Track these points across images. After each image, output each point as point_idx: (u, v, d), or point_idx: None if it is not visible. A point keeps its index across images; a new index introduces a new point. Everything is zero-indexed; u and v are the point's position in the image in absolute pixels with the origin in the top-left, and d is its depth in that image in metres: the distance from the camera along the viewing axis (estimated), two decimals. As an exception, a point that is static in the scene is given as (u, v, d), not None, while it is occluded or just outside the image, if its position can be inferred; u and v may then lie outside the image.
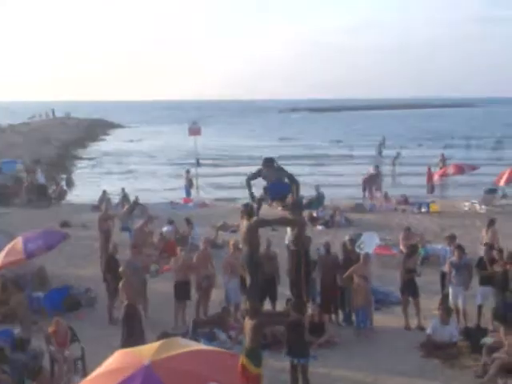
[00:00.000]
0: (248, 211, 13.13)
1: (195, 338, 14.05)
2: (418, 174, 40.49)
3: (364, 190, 33.48)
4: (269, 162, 13.36)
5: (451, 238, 16.75)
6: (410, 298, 15.74)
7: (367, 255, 16.29)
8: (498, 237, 19.61)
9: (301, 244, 12.80)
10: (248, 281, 13.08)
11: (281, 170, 13.69)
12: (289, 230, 16.78)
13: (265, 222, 13.82)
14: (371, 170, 35.34)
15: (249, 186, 13.42)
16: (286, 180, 13.71)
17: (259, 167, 13.61)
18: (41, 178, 37.05)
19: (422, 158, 51.18)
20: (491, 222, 20.37)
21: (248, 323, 12.15)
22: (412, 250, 16.69)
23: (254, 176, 13.50)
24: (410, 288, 15.71)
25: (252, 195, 13.27)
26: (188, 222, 23.39)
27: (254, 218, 13.09)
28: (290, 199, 14.77)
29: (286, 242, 16.71)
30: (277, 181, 13.42)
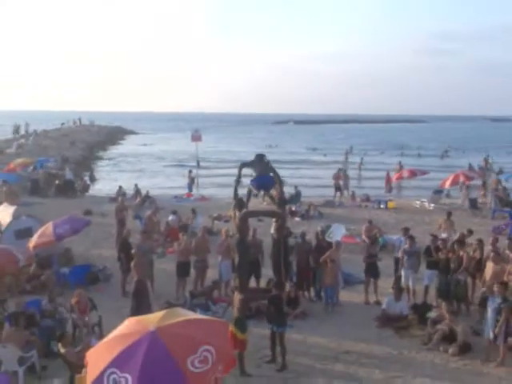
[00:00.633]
0: (239, 204, 13.15)
1: (193, 306, 14.06)
2: (378, 177, 40.62)
3: (336, 190, 33.47)
4: (260, 156, 13.51)
5: (405, 230, 16.75)
6: (372, 279, 15.78)
7: (339, 242, 16.33)
8: (454, 226, 20.03)
9: (282, 233, 12.86)
10: (237, 261, 13.11)
11: (268, 165, 13.77)
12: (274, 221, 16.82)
13: (253, 213, 13.87)
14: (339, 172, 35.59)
15: (239, 171, 13.49)
16: (271, 174, 13.80)
17: (252, 159, 13.68)
18: (69, 174, 36.91)
19: (382, 164, 51.30)
20: (449, 215, 20.79)
21: (237, 297, 12.18)
22: (373, 239, 16.76)
23: (247, 164, 13.59)
24: (372, 270, 15.75)
25: (238, 179, 13.37)
26: (193, 211, 23.39)
27: (244, 210, 13.11)
28: (274, 192, 14.83)
29: (272, 231, 16.69)
30: (263, 174, 13.48)
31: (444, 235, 18.77)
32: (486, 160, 45.63)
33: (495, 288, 11.95)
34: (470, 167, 40.36)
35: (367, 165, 50.98)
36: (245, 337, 11.15)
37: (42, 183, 34.78)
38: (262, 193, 25.75)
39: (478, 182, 33.58)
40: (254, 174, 14.41)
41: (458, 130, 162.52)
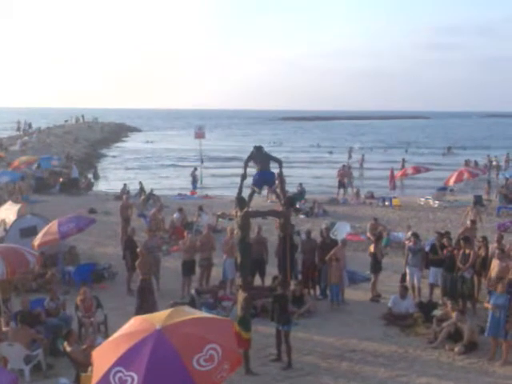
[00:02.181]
0: (240, 203, 13.10)
1: (200, 303, 14.12)
2: (383, 175, 40.48)
3: (339, 187, 33.45)
4: (259, 148, 13.72)
5: (408, 228, 16.77)
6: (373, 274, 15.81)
7: (345, 240, 16.31)
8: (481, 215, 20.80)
9: (286, 231, 12.84)
10: (239, 260, 13.10)
11: (267, 154, 13.95)
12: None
13: (255, 214, 13.91)
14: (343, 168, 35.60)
15: (245, 168, 13.73)
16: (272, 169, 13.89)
17: (251, 151, 13.87)
18: (75, 172, 36.95)
19: (385, 163, 51.16)
20: (475, 202, 21.48)
21: (240, 295, 12.15)
22: (378, 235, 16.71)
23: (249, 159, 13.77)
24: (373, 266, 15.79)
25: (244, 176, 13.66)
26: (200, 209, 23.40)
27: (246, 209, 13.06)
28: (278, 190, 14.92)
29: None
30: (263, 169, 13.59)
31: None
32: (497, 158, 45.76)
33: (498, 287, 11.91)
34: (475, 164, 40.39)
35: (370, 163, 50.94)
36: (249, 336, 11.14)
37: (44, 181, 34.82)
38: (265, 191, 25.90)
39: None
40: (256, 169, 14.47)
41: (461, 126, 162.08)
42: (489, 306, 11.84)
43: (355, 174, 38.49)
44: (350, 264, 16.38)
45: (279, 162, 14.36)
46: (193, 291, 15.29)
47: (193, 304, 14.11)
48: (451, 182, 29.90)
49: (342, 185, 33.26)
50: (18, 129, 69.77)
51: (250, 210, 14.38)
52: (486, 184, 32.70)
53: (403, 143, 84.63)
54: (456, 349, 12.05)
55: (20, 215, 19.55)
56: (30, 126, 73.54)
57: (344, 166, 36.80)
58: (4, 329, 11.84)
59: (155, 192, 30.90)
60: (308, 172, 50.16)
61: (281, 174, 15.20)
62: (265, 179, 13.94)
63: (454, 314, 12.65)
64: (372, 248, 15.95)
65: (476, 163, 40.95)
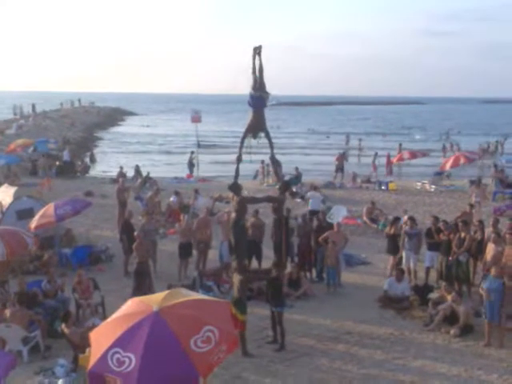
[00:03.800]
0: (234, 188, 12.86)
1: (201, 285, 14.24)
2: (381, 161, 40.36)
3: (336, 170, 33.53)
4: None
5: (404, 212, 16.76)
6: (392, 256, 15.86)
7: (339, 224, 16.32)
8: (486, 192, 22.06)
9: (280, 214, 12.77)
10: (233, 243, 13.03)
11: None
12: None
13: (250, 200, 13.84)
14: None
15: (240, 149, 12.75)
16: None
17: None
18: (66, 156, 36.74)
19: (383, 149, 51.00)
20: (479, 182, 22.14)
21: (236, 278, 12.14)
22: (395, 219, 16.65)
23: (243, 139, 12.72)
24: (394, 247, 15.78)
25: (239, 157, 12.74)
26: (196, 191, 23.37)
27: (241, 196, 12.79)
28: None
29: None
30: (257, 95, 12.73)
31: (477, 199, 21.13)
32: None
33: (492, 270, 11.92)
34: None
35: (368, 148, 50.87)
36: (245, 318, 11.17)
37: (39, 164, 34.68)
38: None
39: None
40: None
41: (459, 111, 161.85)
42: (482, 291, 11.86)
43: (354, 159, 38.50)
44: (346, 247, 16.35)
45: (277, 162, 13.68)
46: (195, 273, 15.27)
47: (193, 286, 14.15)
48: (447, 167, 29.88)
49: (340, 169, 33.35)
50: (15, 113, 69.32)
51: (246, 196, 14.19)
52: (493, 167, 32.38)
53: (404, 128, 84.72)
54: (452, 331, 12.11)
55: (17, 197, 19.43)
56: (33, 107, 72.86)
57: (341, 152, 36.81)
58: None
59: (151, 175, 30.87)
60: (305, 157, 50.07)
61: (278, 166, 14.49)
62: (257, 102, 12.97)
63: (449, 297, 12.70)
64: (391, 230, 15.95)
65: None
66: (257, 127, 12.76)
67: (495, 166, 32.64)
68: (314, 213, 19.29)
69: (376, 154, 35.83)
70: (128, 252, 15.75)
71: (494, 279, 11.65)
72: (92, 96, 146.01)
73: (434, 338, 12.06)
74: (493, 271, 11.86)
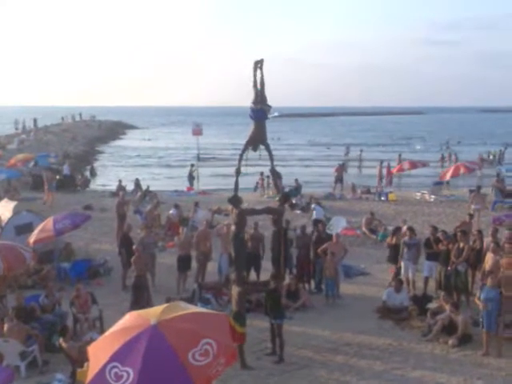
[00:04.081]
0: (234, 201, 12.86)
1: (200, 298, 14.21)
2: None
3: (336, 181, 33.58)
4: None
5: (404, 222, 16.78)
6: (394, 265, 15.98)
7: (338, 235, 16.34)
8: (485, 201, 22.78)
9: (279, 226, 12.77)
10: (233, 255, 13.04)
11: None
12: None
13: (250, 212, 13.83)
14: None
15: (239, 162, 12.76)
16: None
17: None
18: (66, 170, 36.75)
19: (383, 160, 51.00)
20: (478, 189, 23.63)
21: (234, 290, 12.12)
22: (397, 228, 16.79)
23: (243, 152, 12.75)
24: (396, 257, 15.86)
25: (238, 170, 12.69)
26: (195, 205, 23.41)
27: (241, 208, 12.80)
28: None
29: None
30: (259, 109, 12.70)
31: (477, 207, 21.75)
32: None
33: (489, 281, 11.89)
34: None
35: (368, 159, 50.89)
36: (244, 330, 11.14)
37: (41, 178, 34.66)
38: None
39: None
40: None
41: (458, 121, 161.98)
42: (478, 302, 11.85)
43: (354, 171, 38.52)
44: (345, 258, 16.35)
45: (277, 173, 13.70)
46: (195, 285, 15.25)
47: (192, 299, 14.13)
48: (447, 177, 29.93)
49: (339, 180, 33.41)
50: (16, 128, 69.55)
51: (246, 208, 14.20)
52: (496, 177, 32.33)
53: (404, 139, 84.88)
54: (450, 341, 12.08)
55: (16, 212, 19.45)
56: (35, 122, 73.06)
57: (341, 163, 36.90)
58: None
59: (151, 189, 30.92)
60: (305, 169, 50.11)
61: (278, 178, 14.51)
62: (258, 115, 12.95)
63: (447, 307, 12.69)
64: (393, 240, 16.06)
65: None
66: (258, 139, 12.81)
67: (498, 175, 32.65)
68: (318, 222, 19.40)
69: (382, 163, 35.67)
70: (126, 265, 15.75)
71: (491, 289, 11.65)
72: (93, 110, 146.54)
73: (433, 348, 12.03)
74: (489, 281, 11.85)
